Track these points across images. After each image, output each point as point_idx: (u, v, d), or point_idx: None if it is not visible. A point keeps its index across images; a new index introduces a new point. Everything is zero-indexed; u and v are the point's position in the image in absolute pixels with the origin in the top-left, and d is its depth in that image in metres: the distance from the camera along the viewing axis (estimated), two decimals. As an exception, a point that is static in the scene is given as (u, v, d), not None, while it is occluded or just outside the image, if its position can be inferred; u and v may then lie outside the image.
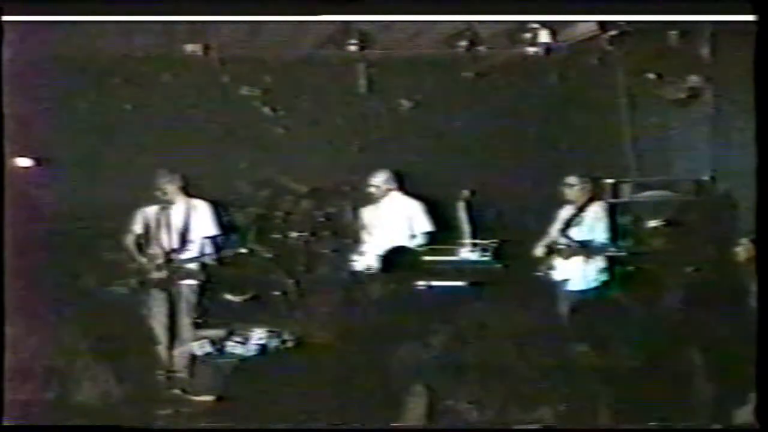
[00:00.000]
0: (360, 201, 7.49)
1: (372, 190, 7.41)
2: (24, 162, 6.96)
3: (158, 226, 7.18)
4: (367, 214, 7.45)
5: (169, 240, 7.17)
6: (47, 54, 6.80)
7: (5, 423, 5.64)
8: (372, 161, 7.47)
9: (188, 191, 7.23)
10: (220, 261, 7.21)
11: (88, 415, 5.96)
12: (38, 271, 6.45)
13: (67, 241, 6.92)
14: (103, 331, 6.58)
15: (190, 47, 7.18)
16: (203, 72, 7.28)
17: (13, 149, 6.31)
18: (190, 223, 7.26)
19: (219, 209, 7.33)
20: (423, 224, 7.37)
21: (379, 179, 7.40)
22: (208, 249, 7.26)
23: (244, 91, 7.40)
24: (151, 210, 7.19)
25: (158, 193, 7.13)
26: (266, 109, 7.44)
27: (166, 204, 7.16)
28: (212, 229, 7.27)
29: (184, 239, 7.21)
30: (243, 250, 7.24)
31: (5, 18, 5.88)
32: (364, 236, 7.40)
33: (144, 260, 7.11)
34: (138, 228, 7.14)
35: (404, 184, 7.45)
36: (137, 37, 6.95)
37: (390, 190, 7.41)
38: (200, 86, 7.34)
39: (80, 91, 7.19)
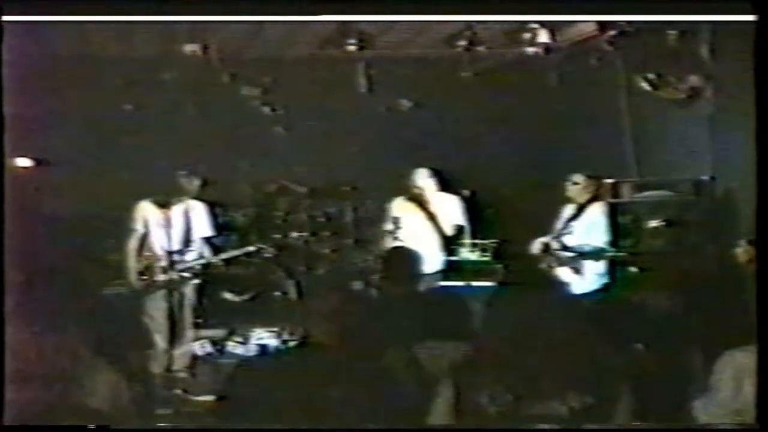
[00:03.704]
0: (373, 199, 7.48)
1: (417, 192, 7.36)
2: (24, 162, 6.95)
3: (159, 226, 7.20)
4: (400, 208, 7.39)
5: (169, 240, 7.19)
6: (47, 54, 6.79)
7: (5, 423, 5.64)
8: (372, 161, 7.47)
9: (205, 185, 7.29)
10: (227, 261, 7.22)
11: (89, 415, 5.96)
12: (38, 272, 6.45)
13: (67, 241, 6.92)
14: (103, 332, 6.58)
15: (190, 47, 7.18)
16: (203, 72, 7.28)
17: (13, 149, 6.30)
18: (190, 223, 7.27)
19: (215, 210, 7.35)
20: (457, 218, 7.35)
21: (422, 181, 7.34)
22: (206, 250, 7.27)
23: (244, 91, 7.41)
24: (150, 210, 7.20)
25: (180, 193, 7.17)
26: (266, 109, 7.44)
27: (166, 204, 7.18)
28: (209, 230, 7.29)
29: (184, 240, 7.23)
30: (251, 249, 7.24)
31: (5, 18, 5.88)
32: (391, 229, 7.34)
33: (146, 261, 7.13)
34: (140, 227, 7.16)
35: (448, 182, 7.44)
36: (137, 37, 6.95)
37: (435, 190, 7.38)
38: (200, 86, 7.34)
39: (80, 91, 7.18)
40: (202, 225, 7.29)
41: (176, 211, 7.23)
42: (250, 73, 7.39)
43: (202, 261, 7.21)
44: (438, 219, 7.38)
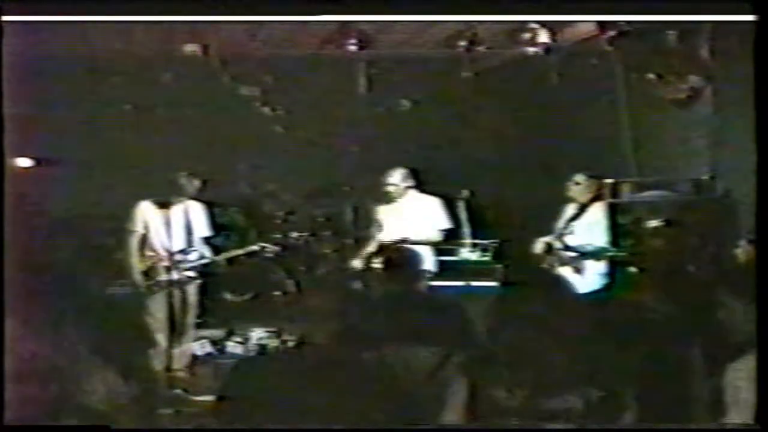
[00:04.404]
0: (373, 199, 7.48)
1: (390, 189, 7.36)
2: (24, 162, 6.96)
3: (159, 226, 7.21)
4: (384, 212, 7.40)
5: (170, 241, 7.20)
6: (47, 54, 6.80)
7: (6, 423, 5.64)
8: (372, 161, 7.47)
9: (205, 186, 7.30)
10: (230, 261, 7.22)
11: (89, 415, 5.96)
12: (38, 271, 6.45)
13: (68, 242, 6.92)
14: (103, 331, 6.59)
15: (190, 47, 7.18)
16: (203, 72, 7.28)
17: (13, 149, 6.30)
18: (190, 223, 7.28)
19: (213, 210, 7.36)
20: (441, 221, 7.34)
21: (397, 178, 7.36)
22: (206, 250, 7.28)
23: (244, 91, 7.41)
24: (150, 210, 7.21)
25: (177, 194, 7.19)
26: (266, 109, 7.45)
27: (166, 204, 7.19)
28: (207, 230, 7.30)
29: (185, 240, 7.24)
30: (254, 247, 7.23)
31: (5, 18, 5.88)
32: (376, 234, 7.36)
33: (150, 261, 7.14)
34: (140, 228, 7.17)
35: (421, 181, 7.43)
36: (137, 37, 6.95)
37: (408, 188, 7.38)
38: (200, 86, 7.34)
39: (80, 91, 7.19)
40: (201, 225, 7.30)
41: (176, 211, 7.24)
42: (250, 73, 7.39)
43: (206, 260, 7.21)
44: (415, 220, 7.38)
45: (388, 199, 7.34)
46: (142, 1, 6.11)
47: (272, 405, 6.04)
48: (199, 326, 7.12)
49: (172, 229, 7.22)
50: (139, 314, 7.02)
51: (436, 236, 7.29)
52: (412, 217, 7.35)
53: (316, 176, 7.54)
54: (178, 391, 6.59)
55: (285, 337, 6.95)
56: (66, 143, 7.16)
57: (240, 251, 7.25)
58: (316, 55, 7.36)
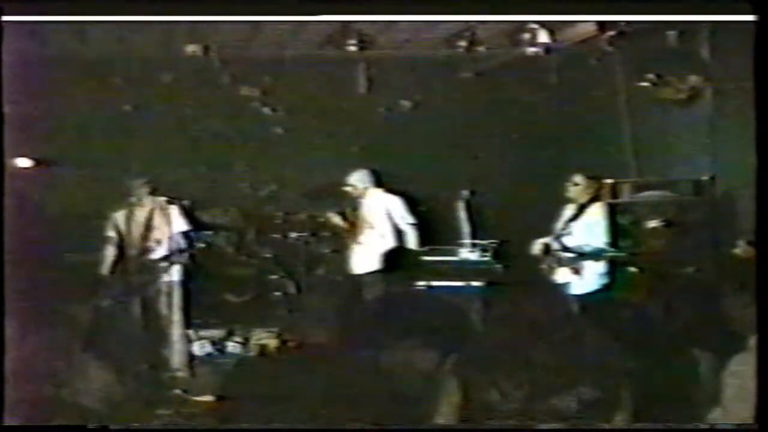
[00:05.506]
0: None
1: (348, 189, 7.42)
2: (24, 162, 6.95)
3: (128, 229, 7.25)
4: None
5: (142, 241, 7.24)
6: (47, 54, 6.80)
7: (6, 423, 5.64)
8: (372, 161, 7.47)
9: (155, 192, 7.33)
10: (192, 258, 7.26)
11: (89, 415, 5.96)
12: (38, 272, 6.45)
13: (67, 242, 6.93)
14: (100, 332, 6.59)
15: (190, 47, 7.18)
16: (203, 72, 7.28)
17: (13, 149, 6.30)
18: (161, 222, 7.31)
19: (185, 207, 7.39)
20: (407, 217, 7.38)
21: (355, 178, 7.40)
22: (183, 246, 7.31)
23: (244, 91, 7.41)
24: (120, 214, 7.26)
25: (132, 198, 7.22)
26: (266, 109, 7.45)
27: (134, 207, 7.24)
28: (184, 225, 7.32)
29: (156, 240, 7.27)
30: (207, 237, 7.27)
31: (5, 18, 5.88)
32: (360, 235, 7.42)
33: (123, 264, 7.20)
34: (112, 233, 7.22)
35: (381, 181, 7.46)
36: (137, 37, 6.95)
37: (367, 188, 7.43)
38: (200, 86, 7.34)
39: (80, 91, 7.18)
40: (177, 221, 7.32)
41: (146, 212, 7.28)
42: (250, 73, 7.39)
43: (172, 259, 7.25)
44: (374, 219, 7.42)
45: (348, 200, 7.41)
46: (142, 1, 6.11)
47: (272, 405, 6.04)
48: (198, 326, 7.13)
49: (143, 231, 7.26)
50: (131, 316, 7.04)
51: (410, 231, 7.33)
52: (377, 216, 7.40)
53: (316, 176, 7.53)
54: (178, 391, 6.60)
55: (285, 337, 6.95)
56: (66, 143, 7.16)
57: (200, 245, 7.29)
58: (316, 55, 7.36)
